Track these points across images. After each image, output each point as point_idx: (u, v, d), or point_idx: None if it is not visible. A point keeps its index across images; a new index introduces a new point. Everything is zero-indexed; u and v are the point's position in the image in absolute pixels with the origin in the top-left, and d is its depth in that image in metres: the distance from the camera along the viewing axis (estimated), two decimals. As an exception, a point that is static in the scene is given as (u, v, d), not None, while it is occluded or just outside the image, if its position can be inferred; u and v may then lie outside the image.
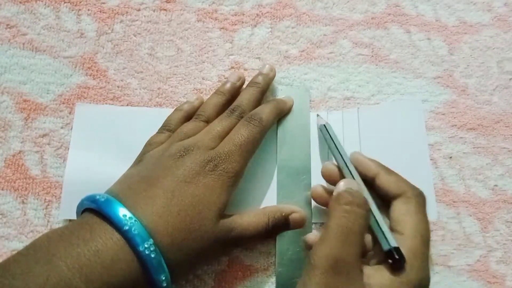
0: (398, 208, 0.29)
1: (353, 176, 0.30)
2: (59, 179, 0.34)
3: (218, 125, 0.32)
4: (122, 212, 0.25)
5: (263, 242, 0.33)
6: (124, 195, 0.26)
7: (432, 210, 0.33)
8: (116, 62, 0.37)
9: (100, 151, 0.35)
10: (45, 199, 0.34)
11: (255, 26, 0.39)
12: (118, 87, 0.37)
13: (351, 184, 0.28)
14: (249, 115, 0.32)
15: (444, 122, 0.37)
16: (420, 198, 0.29)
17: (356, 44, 0.39)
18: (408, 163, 0.34)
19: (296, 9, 0.40)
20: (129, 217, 0.25)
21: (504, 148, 0.36)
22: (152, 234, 0.25)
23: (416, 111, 0.35)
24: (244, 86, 0.36)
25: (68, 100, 0.36)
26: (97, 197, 0.26)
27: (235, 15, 0.39)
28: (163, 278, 0.25)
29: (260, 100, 0.35)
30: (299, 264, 0.32)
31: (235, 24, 0.39)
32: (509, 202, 0.35)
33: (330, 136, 0.33)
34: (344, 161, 0.31)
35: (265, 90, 0.36)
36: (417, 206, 0.29)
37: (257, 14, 0.39)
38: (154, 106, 0.36)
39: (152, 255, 0.24)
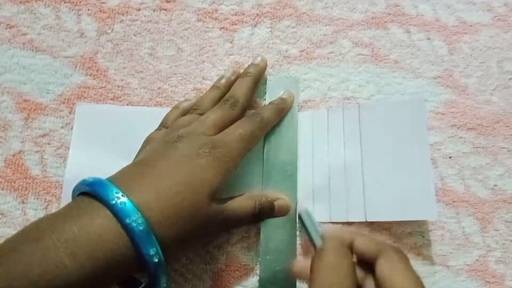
0: (383, 267, 0.26)
1: None
2: (59, 179, 0.34)
3: (212, 114, 0.32)
4: (110, 189, 0.24)
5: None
6: (115, 178, 0.27)
7: (432, 210, 0.32)
8: (116, 62, 0.37)
9: (101, 150, 0.35)
10: (45, 199, 0.34)
11: (255, 26, 0.39)
12: (118, 86, 0.37)
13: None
14: (251, 113, 0.33)
15: (444, 122, 0.37)
16: (401, 254, 0.27)
17: (356, 44, 0.39)
18: (408, 161, 0.34)
19: (296, 9, 0.40)
20: (116, 192, 0.24)
21: (504, 148, 0.36)
22: (141, 208, 0.24)
23: (419, 110, 0.34)
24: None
25: (68, 100, 0.36)
26: (86, 179, 0.26)
27: (235, 15, 0.39)
28: (153, 252, 0.24)
29: (253, 89, 0.35)
30: (283, 253, 0.33)
31: (235, 24, 0.39)
32: (509, 202, 0.35)
33: (309, 223, 0.30)
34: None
35: (257, 79, 0.36)
36: (401, 262, 0.26)
37: (257, 14, 0.39)
38: (154, 105, 0.36)
39: (140, 228, 0.24)
